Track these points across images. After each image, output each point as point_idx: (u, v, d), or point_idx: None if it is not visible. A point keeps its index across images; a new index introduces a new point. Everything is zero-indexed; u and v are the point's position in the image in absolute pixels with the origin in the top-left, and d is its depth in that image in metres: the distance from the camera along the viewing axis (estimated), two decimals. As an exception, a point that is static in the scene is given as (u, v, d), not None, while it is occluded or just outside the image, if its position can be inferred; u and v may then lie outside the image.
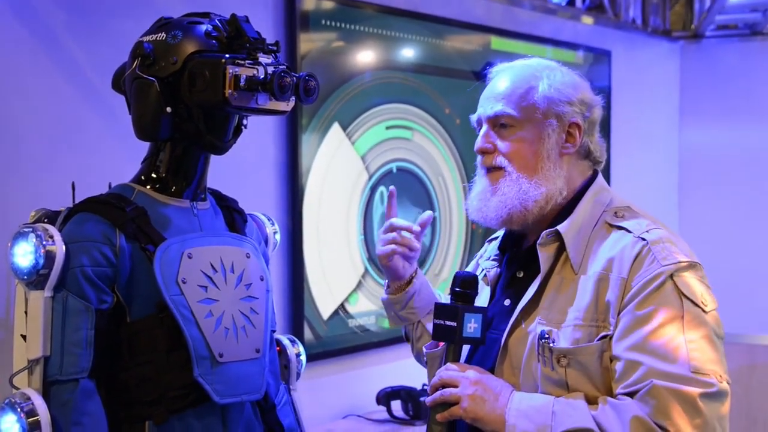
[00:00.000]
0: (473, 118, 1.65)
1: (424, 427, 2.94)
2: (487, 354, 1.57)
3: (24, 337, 1.63)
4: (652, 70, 4.65)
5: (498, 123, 1.58)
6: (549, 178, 1.55)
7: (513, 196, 1.55)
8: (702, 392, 1.37)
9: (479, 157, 1.62)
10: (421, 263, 3.32)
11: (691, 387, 1.37)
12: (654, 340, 1.40)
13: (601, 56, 4.21)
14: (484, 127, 1.61)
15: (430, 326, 1.73)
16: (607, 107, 4.34)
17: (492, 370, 1.54)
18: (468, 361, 1.60)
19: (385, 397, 2.98)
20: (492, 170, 1.59)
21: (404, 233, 1.76)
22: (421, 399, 2.92)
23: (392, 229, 1.77)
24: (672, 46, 4.77)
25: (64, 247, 1.61)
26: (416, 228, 1.78)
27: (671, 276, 1.44)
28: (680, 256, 1.46)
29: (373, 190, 3.14)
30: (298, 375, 1.97)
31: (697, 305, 1.43)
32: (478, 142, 1.61)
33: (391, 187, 1.87)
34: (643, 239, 1.48)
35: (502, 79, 1.61)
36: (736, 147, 4.71)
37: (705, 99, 4.76)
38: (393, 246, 1.75)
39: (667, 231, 1.52)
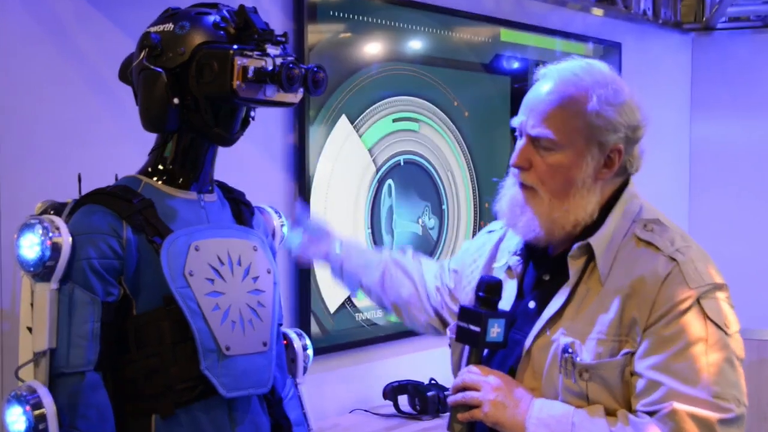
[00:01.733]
0: (515, 122, 1.59)
1: (431, 422, 2.94)
2: (508, 354, 1.59)
3: (30, 329, 1.62)
4: (663, 63, 4.62)
5: (538, 141, 1.54)
6: (580, 205, 1.54)
7: (541, 221, 1.55)
8: (721, 418, 1.40)
9: (514, 170, 1.59)
10: (429, 256, 3.30)
11: (710, 412, 1.40)
12: (677, 363, 1.42)
13: (611, 48, 4.19)
14: (522, 141, 1.57)
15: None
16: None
17: (513, 372, 1.56)
18: (488, 359, 1.61)
19: (391, 392, 2.98)
20: (525, 187, 1.57)
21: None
22: (429, 394, 2.92)
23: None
24: (683, 38, 4.74)
25: (70, 238, 1.60)
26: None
27: (698, 299, 1.45)
28: (707, 278, 1.48)
29: (380, 182, 3.13)
30: (305, 369, 1.96)
31: (720, 328, 1.45)
32: (514, 158, 1.57)
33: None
34: (673, 259, 1.48)
35: (550, 92, 1.54)
36: (747, 140, 4.68)
37: (716, 91, 4.73)
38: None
39: (695, 249, 1.52)
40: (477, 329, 1.54)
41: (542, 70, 1.61)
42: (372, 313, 3.11)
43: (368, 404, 3.05)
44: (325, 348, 2.92)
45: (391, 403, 2.99)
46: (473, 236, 3.47)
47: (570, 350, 1.49)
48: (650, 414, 1.42)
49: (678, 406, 1.40)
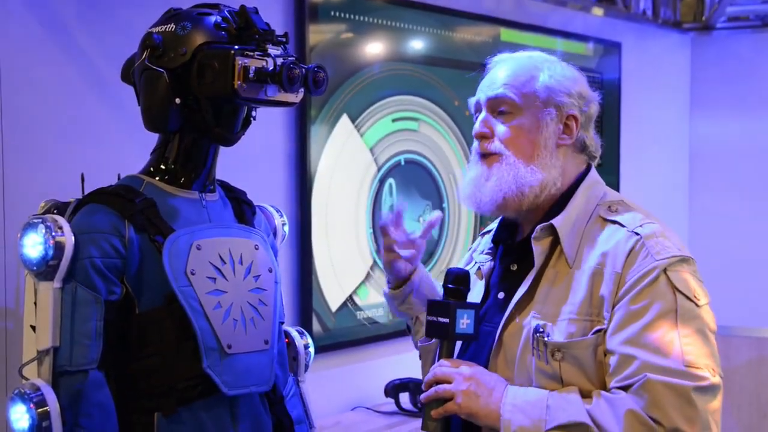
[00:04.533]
0: (471, 101, 1.65)
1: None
2: (480, 347, 1.58)
3: (33, 327, 1.63)
4: (662, 62, 4.63)
5: (497, 108, 1.59)
6: (545, 166, 1.56)
7: (509, 179, 1.55)
8: (695, 386, 1.38)
9: (476, 143, 1.61)
10: (429, 257, 3.31)
11: (684, 381, 1.38)
12: (648, 334, 1.41)
13: (611, 48, 4.19)
14: (483, 113, 1.61)
15: None
16: (617, 99, 4.35)
17: (486, 364, 1.54)
18: (461, 355, 1.60)
19: (393, 390, 2.99)
20: (488, 156, 1.59)
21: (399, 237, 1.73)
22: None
23: (385, 233, 1.73)
24: (683, 37, 4.75)
25: (73, 238, 1.61)
26: (415, 235, 1.75)
27: (665, 270, 1.44)
28: (673, 251, 1.47)
29: (381, 182, 3.14)
30: (307, 367, 1.97)
31: (690, 299, 1.44)
32: (477, 127, 1.61)
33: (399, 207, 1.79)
34: (637, 234, 1.48)
35: (503, 68, 1.62)
36: (747, 139, 4.69)
37: (716, 91, 4.73)
38: (392, 254, 1.73)
39: (660, 225, 1.52)
40: (446, 320, 1.53)
41: (494, 59, 1.67)
42: (373, 311, 3.12)
43: (370, 402, 3.06)
44: (326, 346, 2.93)
45: (392, 400, 3.00)
46: (474, 234, 3.48)
47: (541, 330, 1.48)
48: (625, 389, 1.41)
49: (652, 377, 1.39)
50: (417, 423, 2.89)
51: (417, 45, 3.26)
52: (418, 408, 2.95)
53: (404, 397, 2.99)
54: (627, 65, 4.29)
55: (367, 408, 3.04)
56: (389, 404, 3.02)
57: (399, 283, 1.78)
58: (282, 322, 1.86)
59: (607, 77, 4.16)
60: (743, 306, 4.31)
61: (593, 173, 1.62)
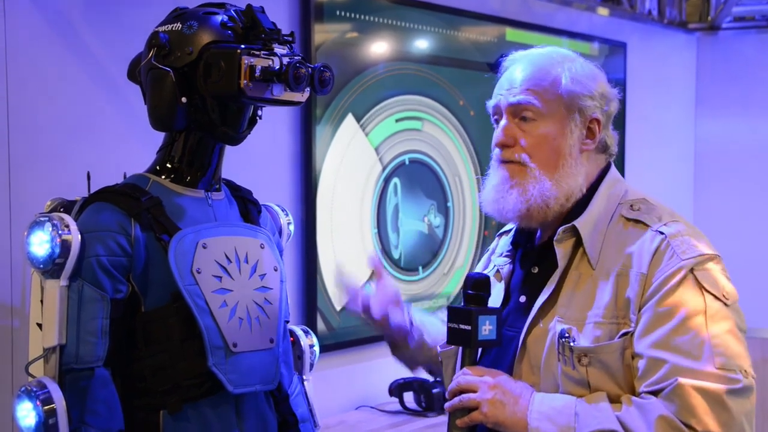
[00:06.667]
0: (490, 104, 1.58)
1: (436, 419, 2.94)
2: (502, 352, 1.54)
3: (40, 325, 1.64)
4: (668, 62, 4.62)
5: (519, 114, 1.52)
6: (570, 175, 1.51)
7: (534, 193, 1.50)
8: (728, 389, 1.34)
9: (497, 150, 1.55)
10: (434, 256, 3.32)
11: (717, 384, 1.34)
12: (677, 337, 1.37)
13: (616, 48, 4.19)
14: (504, 120, 1.54)
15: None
16: (623, 99, 4.31)
17: (508, 369, 1.51)
18: (482, 359, 1.57)
19: (397, 389, 2.99)
20: (511, 163, 1.53)
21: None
22: (434, 391, 2.92)
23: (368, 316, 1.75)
24: (688, 37, 4.74)
25: (79, 236, 1.62)
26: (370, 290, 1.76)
27: (692, 270, 1.40)
28: (699, 249, 1.43)
29: (386, 181, 3.14)
30: (312, 366, 1.97)
31: (718, 299, 1.40)
32: (498, 135, 1.54)
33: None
34: (662, 233, 1.44)
35: (521, 68, 1.55)
36: (752, 140, 4.68)
37: (721, 91, 4.72)
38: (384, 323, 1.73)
39: (684, 223, 1.48)
40: (467, 327, 1.48)
41: (509, 57, 1.60)
42: (378, 311, 3.12)
43: (374, 401, 3.07)
44: (331, 345, 2.93)
45: (396, 399, 3.00)
46: (478, 234, 3.48)
47: (567, 335, 1.44)
48: (655, 393, 1.36)
49: (683, 380, 1.34)
50: (421, 422, 2.90)
51: (422, 45, 3.26)
52: (422, 407, 2.96)
53: (408, 397, 3.00)
54: (632, 65, 4.28)
55: (372, 407, 3.04)
56: (393, 403, 3.02)
57: (402, 339, 1.76)
58: (287, 321, 1.87)
59: (612, 77, 4.13)
60: (747, 306, 4.27)
61: (613, 171, 1.57)
